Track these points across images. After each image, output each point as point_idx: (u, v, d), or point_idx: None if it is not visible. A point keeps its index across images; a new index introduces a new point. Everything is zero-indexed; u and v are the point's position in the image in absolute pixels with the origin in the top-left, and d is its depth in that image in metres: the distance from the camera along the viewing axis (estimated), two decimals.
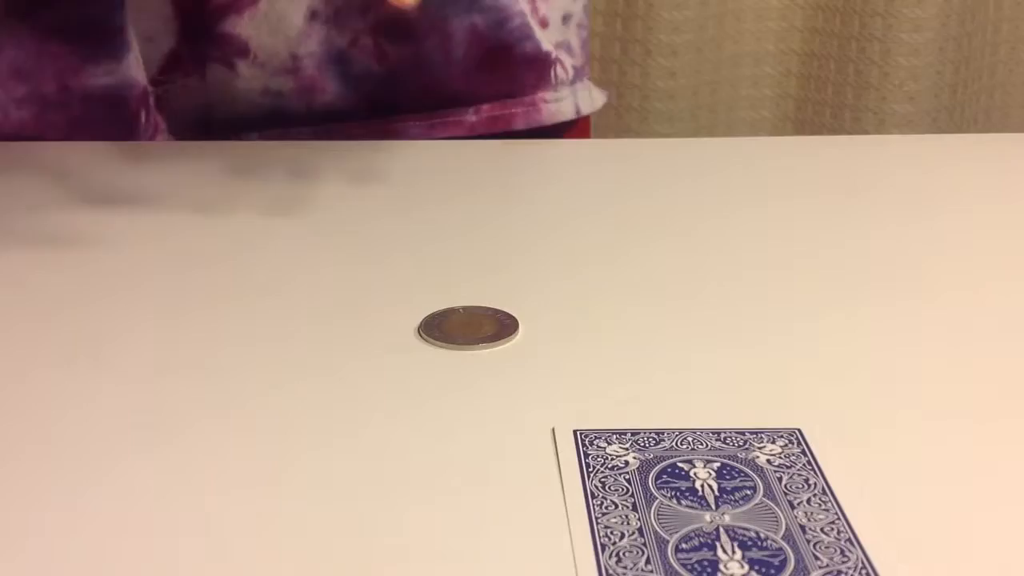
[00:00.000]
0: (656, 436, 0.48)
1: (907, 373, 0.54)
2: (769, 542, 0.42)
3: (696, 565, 0.41)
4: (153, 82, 0.84)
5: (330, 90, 0.86)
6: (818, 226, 0.70)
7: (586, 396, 0.52)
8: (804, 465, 0.46)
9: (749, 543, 0.42)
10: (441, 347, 0.56)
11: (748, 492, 0.44)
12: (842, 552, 0.41)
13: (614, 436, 0.48)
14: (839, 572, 0.40)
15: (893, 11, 1.39)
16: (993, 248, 0.67)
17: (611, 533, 0.42)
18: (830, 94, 1.45)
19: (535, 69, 0.89)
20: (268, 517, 0.44)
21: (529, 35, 0.88)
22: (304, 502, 0.45)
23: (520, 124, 0.90)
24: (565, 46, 0.92)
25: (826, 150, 0.84)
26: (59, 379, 0.53)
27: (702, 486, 0.45)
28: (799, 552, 0.41)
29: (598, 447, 0.47)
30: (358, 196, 0.75)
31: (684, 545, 0.42)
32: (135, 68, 0.83)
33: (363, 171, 0.79)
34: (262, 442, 0.48)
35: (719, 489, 0.44)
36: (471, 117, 0.89)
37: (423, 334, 0.57)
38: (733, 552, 0.41)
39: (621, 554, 0.41)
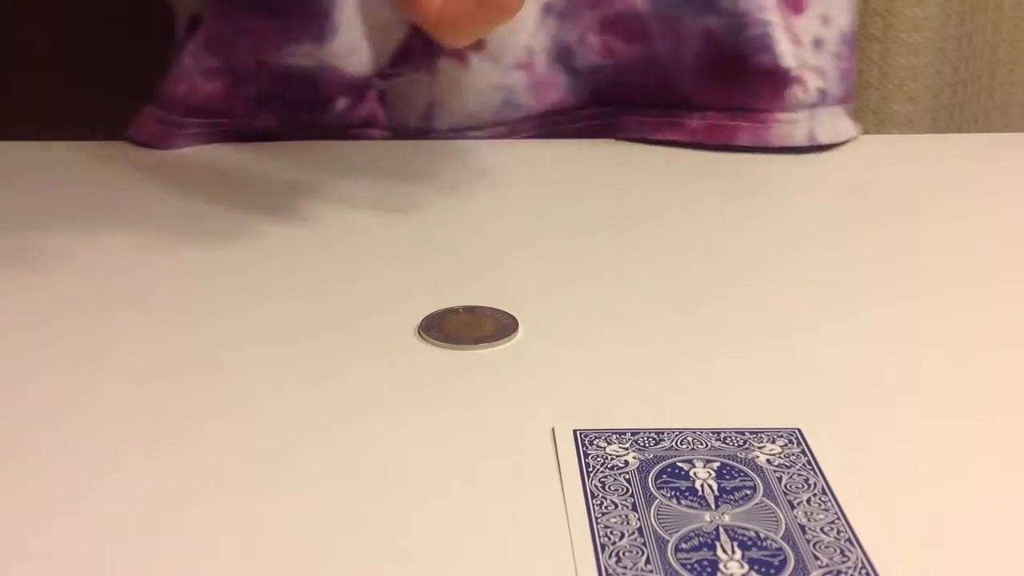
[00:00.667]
0: (656, 436, 0.48)
1: (907, 373, 0.54)
2: (769, 542, 0.42)
3: (696, 565, 0.41)
4: (381, 75, 0.84)
5: (558, 85, 0.84)
6: (818, 226, 0.70)
7: (586, 396, 0.52)
8: (804, 465, 0.46)
9: (749, 543, 0.42)
10: (441, 347, 0.56)
11: (748, 492, 0.44)
12: (842, 552, 0.41)
13: (614, 436, 0.48)
14: (839, 572, 0.40)
15: (893, 10, 1.38)
16: (993, 248, 0.67)
17: (611, 533, 0.42)
18: None
19: (771, 84, 0.84)
20: (268, 517, 0.44)
21: (768, 46, 0.83)
22: (304, 502, 0.45)
23: (744, 140, 0.84)
24: (819, 70, 0.86)
25: (825, 150, 0.84)
26: (62, 381, 0.53)
27: (702, 486, 0.45)
28: (799, 552, 0.41)
29: (598, 447, 0.47)
30: (357, 196, 0.75)
31: (684, 545, 0.42)
32: (339, 55, 0.82)
33: (362, 171, 0.79)
34: (262, 443, 0.48)
35: (719, 489, 0.44)
36: (694, 122, 0.85)
37: (423, 334, 0.57)
38: (733, 552, 0.41)
39: (621, 554, 0.41)
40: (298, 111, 0.84)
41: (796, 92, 0.83)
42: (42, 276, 0.64)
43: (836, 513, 0.43)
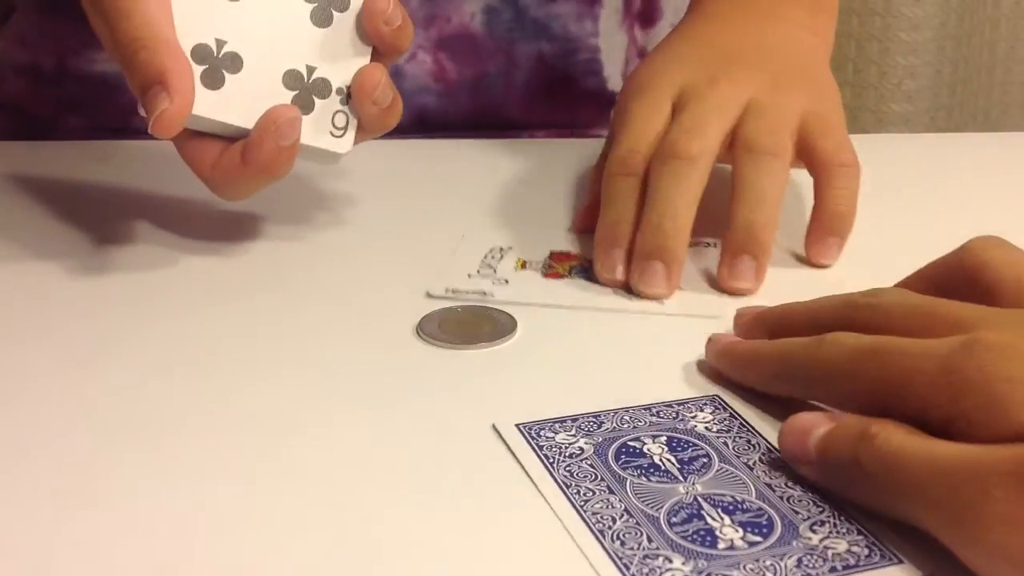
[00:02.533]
0: (595, 419, 0.49)
1: None
2: (747, 503, 0.44)
3: (695, 536, 0.42)
4: None
5: None
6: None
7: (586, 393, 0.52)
8: (739, 427, 0.48)
9: (730, 507, 0.43)
10: (440, 346, 0.55)
11: (704, 460, 0.46)
12: (815, 503, 0.44)
13: (558, 424, 0.48)
14: (823, 522, 0.43)
15: (891, 10, 1.38)
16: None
17: (602, 518, 0.43)
18: None
19: (596, 105, 0.86)
20: (265, 516, 0.44)
21: (596, 71, 0.85)
22: (302, 501, 0.44)
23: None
24: None
25: None
26: (56, 376, 0.53)
27: (661, 461, 0.46)
28: (779, 510, 0.43)
29: (546, 437, 0.47)
30: (355, 194, 0.73)
31: (674, 519, 0.43)
32: None
33: (359, 170, 0.76)
34: (260, 442, 0.48)
35: (677, 461, 0.46)
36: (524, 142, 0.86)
37: (421, 333, 0.56)
38: (721, 518, 0.43)
39: (622, 537, 0.42)
40: (102, 116, 0.81)
41: None
42: (36, 273, 0.63)
43: (791, 469, 0.45)
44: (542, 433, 0.48)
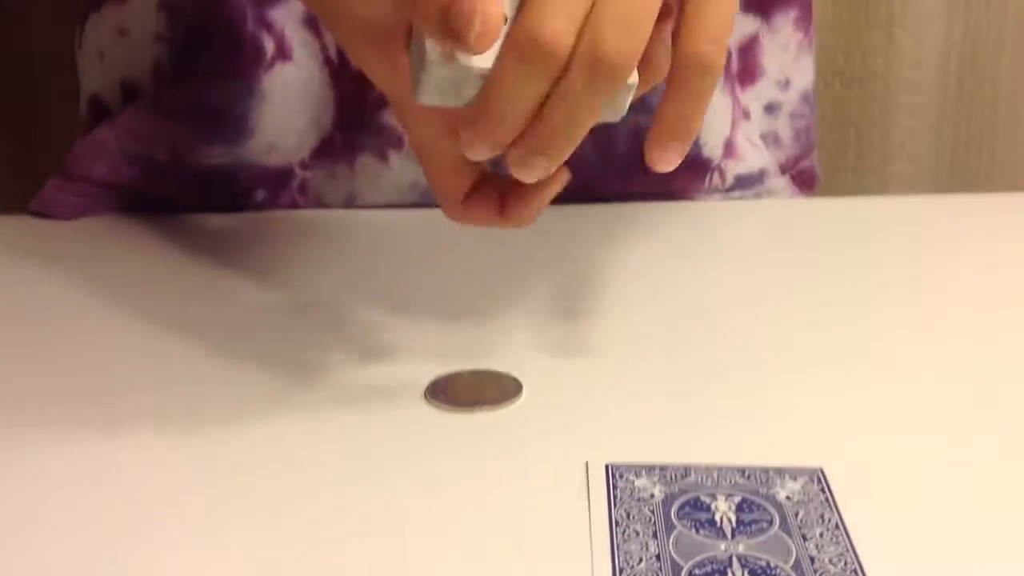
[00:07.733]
0: (683, 471, 0.51)
1: (928, 421, 0.56)
2: (778, 570, 0.44)
3: None
4: (302, 165, 0.84)
5: None
6: (822, 282, 0.71)
7: (597, 453, 0.53)
8: (821, 502, 0.48)
9: (759, 570, 0.44)
10: (447, 411, 0.57)
11: (764, 525, 0.47)
12: None
13: (643, 470, 0.51)
14: None
15: (892, 72, 1.39)
16: (996, 305, 0.68)
17: (630, 558, 0.45)
18: (831, 155, 1.46)
19: (692, 172, 0.87)
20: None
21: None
22: (310, 565, 0.46)
23: None
24: (772, 137, 0.89)
25: (828, 210, 0.86)
26: (68, 447, 0.54)
27: (721, 518, 0.47)
28: None
29: (628, 480, 0.50)
30: (359, 261, 0.75)
31: (697, 571, 0.44)
32: (257, 152, 0.82)
33: (363, 236, 0.80)
34: (268, 504, 0.49)
35: (737, 521, 0.47)
36: None
37: (429, 398, 0.58)
38: None
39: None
40: (218, 201, 0.84)
41: (714, 179, 0.87)
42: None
43: (846, 547, 0.45)
44: (626, 476, 0.50)
